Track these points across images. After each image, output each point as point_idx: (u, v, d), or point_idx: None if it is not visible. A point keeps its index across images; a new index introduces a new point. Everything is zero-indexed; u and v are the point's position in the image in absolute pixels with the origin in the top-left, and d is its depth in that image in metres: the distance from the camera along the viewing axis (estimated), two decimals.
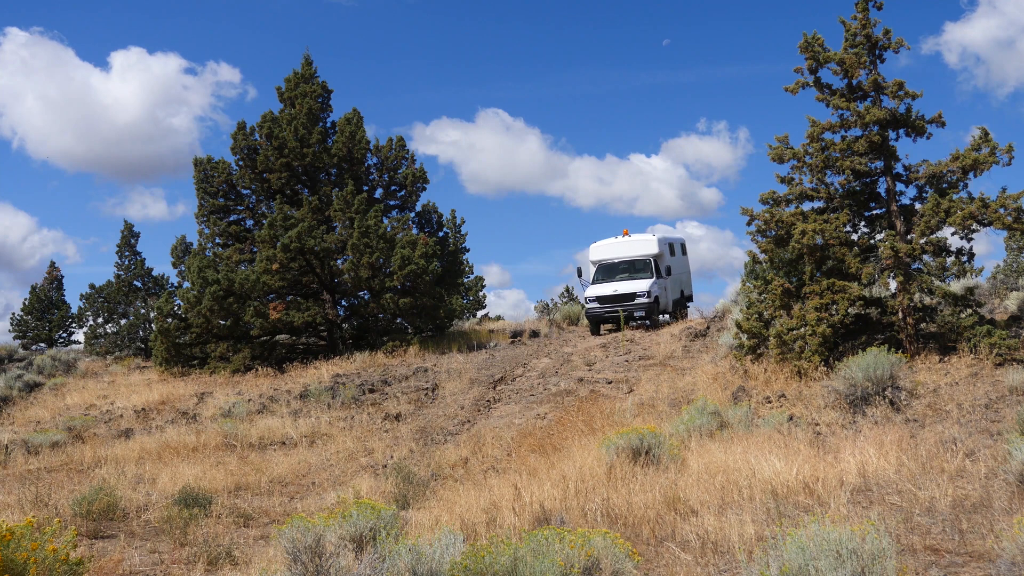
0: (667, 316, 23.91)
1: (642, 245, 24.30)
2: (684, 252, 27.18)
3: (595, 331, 22.95)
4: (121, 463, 13.35)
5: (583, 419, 13.15)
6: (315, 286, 24.90)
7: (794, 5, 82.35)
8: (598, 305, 22.80)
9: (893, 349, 11.88)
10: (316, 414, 16.70)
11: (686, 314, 25.69)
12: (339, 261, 24.25)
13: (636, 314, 22.12)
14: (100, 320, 32.82)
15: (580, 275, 24.34)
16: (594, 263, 24.86)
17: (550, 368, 18.48)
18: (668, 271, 24.02)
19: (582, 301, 25.18)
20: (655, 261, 23.85)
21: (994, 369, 11.62)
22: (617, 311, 22.29)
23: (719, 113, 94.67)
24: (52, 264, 46.19)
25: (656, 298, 22.74)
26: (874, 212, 14.35)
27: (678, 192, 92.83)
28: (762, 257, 14.65)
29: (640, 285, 22.73)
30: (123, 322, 32.38)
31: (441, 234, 27.94)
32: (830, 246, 13.46)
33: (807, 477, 7.81)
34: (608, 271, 24.06)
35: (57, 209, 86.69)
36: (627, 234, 24.94)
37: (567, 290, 44.27)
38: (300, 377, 21.21)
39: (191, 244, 29.03)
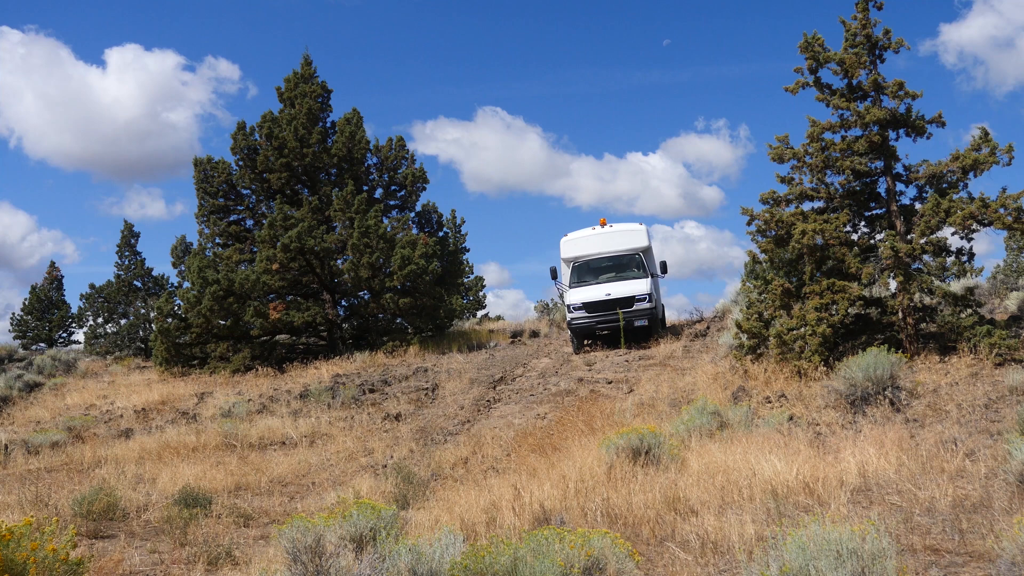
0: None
1: (628, 237, 19.93)
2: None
3: (579, 348, 19.26)
4: (121, 463, 13.34)
5: (583, 419, 13.14)
6: (315, 286, 24.92)
7: (794, 5, 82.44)
8: (586, 313, 18.87)
9: (893, 349, 11.87)
10: (316, 414, 16.70)
11: (665, 322, 21.96)
12: (339, 261, 24.29)
13: (636, 323, 18.52)
14: (100, 320, 32.91)
15: (554, 276, 20.09)
16: (568, 261, 20.22)
17: (550, 368, 18.47)
18: (664, 267, 19.81)
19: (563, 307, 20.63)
20: (644, 256, 19.70)
21: (994, 369, 11.62)
22: (611, 320, 18.70)
23: (719, 112, 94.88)
24: (52, 264, 46.32)
25: (655, 301, 19.18)
26: (874, 212, 14.35)
27: (679, 191, 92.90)
28: (762, 257, 14.65)
29: (637, 286, 18.87)
30: (123, 322, 32.47)
31: (441, 234, 27.99)
32: (830, 246, 13.46)
33: (807, 477, 7.80)
34: (587, 271, 19.96)
35: (56, 208, 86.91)
36: (605, 224, 20.37)
37: None
38: (300, 377, 21.22)
39: (191, 244, 29.11)
